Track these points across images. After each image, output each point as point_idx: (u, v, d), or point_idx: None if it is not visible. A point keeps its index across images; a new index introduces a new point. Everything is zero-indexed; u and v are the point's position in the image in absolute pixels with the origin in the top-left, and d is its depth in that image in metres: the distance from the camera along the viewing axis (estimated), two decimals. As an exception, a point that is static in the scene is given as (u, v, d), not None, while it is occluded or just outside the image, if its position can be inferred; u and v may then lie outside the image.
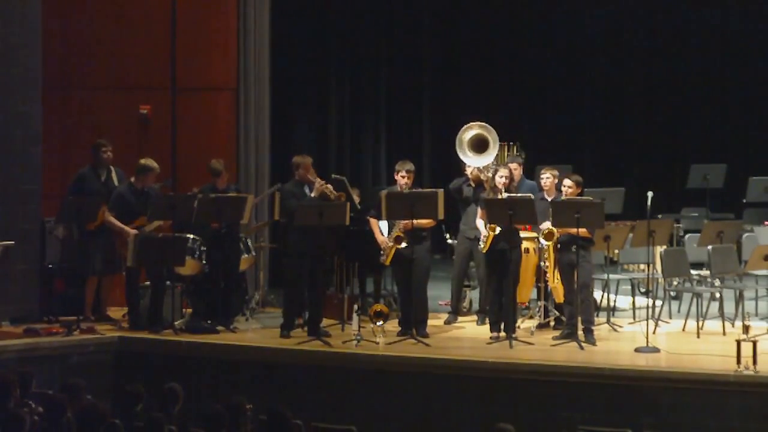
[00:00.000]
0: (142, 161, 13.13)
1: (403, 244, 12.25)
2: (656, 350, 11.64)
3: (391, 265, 12.67)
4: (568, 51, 18.67)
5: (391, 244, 12.38)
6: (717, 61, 18.28)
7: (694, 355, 11.59)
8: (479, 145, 13.12)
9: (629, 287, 13.63)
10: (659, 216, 14.50)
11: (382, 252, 12.55)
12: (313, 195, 12.51)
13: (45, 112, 13.80)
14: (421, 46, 18.93)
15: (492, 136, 13.12)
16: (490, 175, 12.82)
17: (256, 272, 14.37)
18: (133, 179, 13.11)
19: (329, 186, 12.58)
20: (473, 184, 13.15)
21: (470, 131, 13.20)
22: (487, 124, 13.19)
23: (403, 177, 12.50)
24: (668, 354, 11.65)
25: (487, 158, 13.07)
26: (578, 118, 18.74)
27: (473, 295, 13.98)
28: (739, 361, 10.66)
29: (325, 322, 12.77)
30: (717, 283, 13.51)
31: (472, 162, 13.10)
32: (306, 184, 12.62)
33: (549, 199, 12.50)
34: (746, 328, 11.09)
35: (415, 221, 12.30)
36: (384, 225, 12.74)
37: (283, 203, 12.90)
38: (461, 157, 13.15)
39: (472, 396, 11.33)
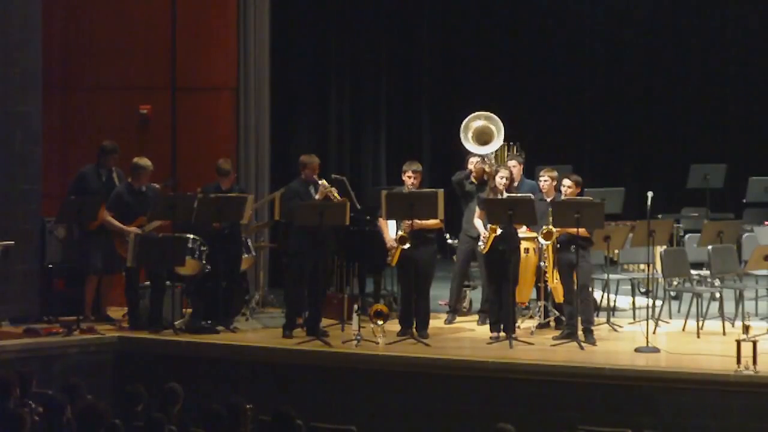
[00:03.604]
0: (135, 160, 13.08)
1: (407, 245, 12.23)
2: (656, 350, 11.64)
3: (396, 265, 12.66)
4: (568, 51, 18.67)
5: (395, 245, 12.36)
6: (717, 61, 18.29)
7: (694, 355, 11.59)
8: (484, 138, 13.17)
9: (629, 287, 13.62)
10: (659, 216, 14.50)
11: (389, 252, 12.55)
12: (317, 197, 12.48)
13: (45, 112, 13.79)
14: (420, 46, 18.91)
15: (497, 127, 13.18)
16: (494, 168, 12.85)
17: (256, 272, 14.36)
18: (130, 179, 13.11)
19: (333, 190, 12.55)
20: (475, 181, 13.14)
21: (477, 121, 13.26)
22: (493, 115, 13.24)
23: (409, 177, 12.46)
24: (668, 354, 11.65)
25: (491, 148, 13.12)
26: (578, 118, 18.75)
27: (473, 295, 13.96)
28: (739, 361, 10.66)
29: (325, 322, 12.76)
30: (717, 283, 13.50)
31: (475, 150, 13.12)
32: (312, 183, 12.61)
33: (548, 200, 12.49)
34: (746, 328, 11.08)
35: (421, 222, 12.30)
36: (393, 225, 12.72)
37: (286, 202, 12.87)
38: (464, 143, 13.18)
39: (472, 396, 11.32)
